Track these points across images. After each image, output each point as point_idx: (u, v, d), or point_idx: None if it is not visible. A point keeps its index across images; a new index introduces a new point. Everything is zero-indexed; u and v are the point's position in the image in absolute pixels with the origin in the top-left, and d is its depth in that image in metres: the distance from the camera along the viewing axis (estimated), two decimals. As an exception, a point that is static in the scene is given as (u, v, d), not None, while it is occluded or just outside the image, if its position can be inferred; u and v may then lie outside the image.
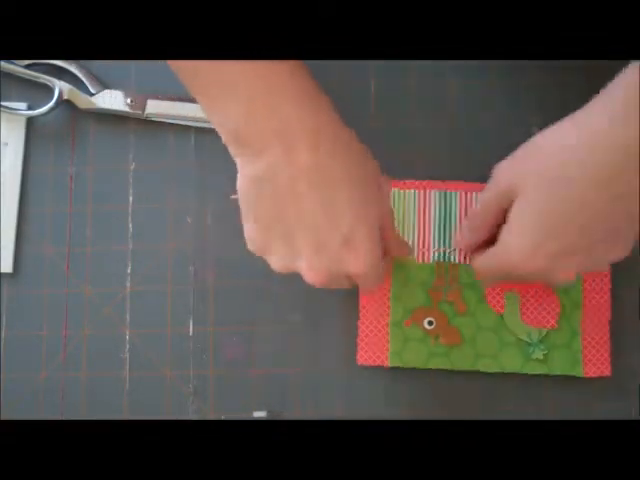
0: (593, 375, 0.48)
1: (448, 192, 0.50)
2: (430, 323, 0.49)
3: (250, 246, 0.41)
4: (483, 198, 0.44)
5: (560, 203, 0.38)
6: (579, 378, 0.48)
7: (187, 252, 0.51)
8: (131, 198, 0.52)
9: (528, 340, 0.48)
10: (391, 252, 0.46)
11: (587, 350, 0.48)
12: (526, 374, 0.48)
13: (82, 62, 0.52)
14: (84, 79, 0.52)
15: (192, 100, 0.52)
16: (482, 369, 0.48)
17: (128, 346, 0.50)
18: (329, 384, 0.50)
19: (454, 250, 0.49)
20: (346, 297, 0.50)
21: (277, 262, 0.41)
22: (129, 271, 0.51)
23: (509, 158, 0.43)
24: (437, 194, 0.50)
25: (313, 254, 0.39)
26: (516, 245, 0.40)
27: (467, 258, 0.49)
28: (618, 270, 0.49)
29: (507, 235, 0.41)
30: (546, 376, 0.48)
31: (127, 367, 0.50)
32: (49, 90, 0.52)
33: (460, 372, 0.49)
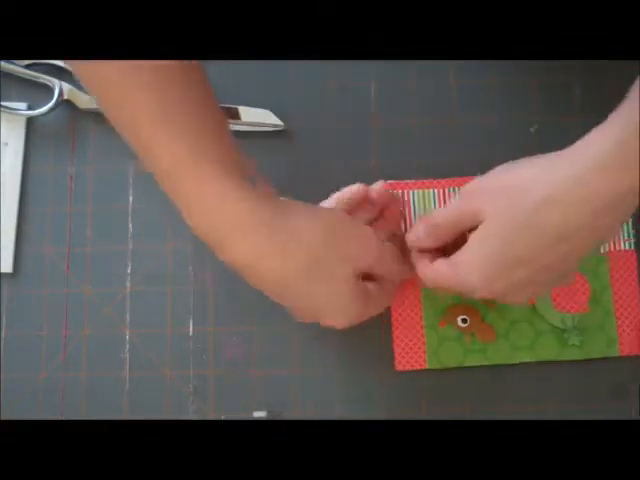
0: (630, 353, 0.49)
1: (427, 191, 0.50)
2: (464, 321, 0.49)
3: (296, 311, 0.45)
4: (447, 213, 0.44)
5: (526, 245, 0.39)
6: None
7: (187, 252, 0.51)
8: (131, 198, 0.52)
9: (563, 327, 0.49)
10: (396, 279, 0.47)
11: (621, 329, 0.49)
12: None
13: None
14: (84, 79, 0.52)
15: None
16: (519, 361, 0.49)
17: (128, 346, 0.50)
18: (329, 384, 0.50)
19: None
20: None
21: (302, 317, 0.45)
22: (129, 271, 0.51)
23: (478, 182, 0.43)
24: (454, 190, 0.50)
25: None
26: (478, 271, 0.41)
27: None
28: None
29: (469, 258, 0.42)
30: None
31: (127, 367, 0.50)
32: (49, 90, 0.52)
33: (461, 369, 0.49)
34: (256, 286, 0.42)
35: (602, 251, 0.50)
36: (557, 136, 0.51)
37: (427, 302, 0.49)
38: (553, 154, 0.39)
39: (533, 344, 0.49)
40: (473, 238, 0.42)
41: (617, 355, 0.49)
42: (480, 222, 0.41)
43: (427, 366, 0.49)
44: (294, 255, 0.40)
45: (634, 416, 0.49)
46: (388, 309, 0.49)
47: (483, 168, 0.50)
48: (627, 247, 0.50)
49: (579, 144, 0.38)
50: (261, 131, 0.51)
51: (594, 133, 0.37)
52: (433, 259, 0.45)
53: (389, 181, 0.50)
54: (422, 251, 0.46)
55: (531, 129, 0.51)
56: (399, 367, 0.49)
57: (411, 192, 0.50)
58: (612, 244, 0.50)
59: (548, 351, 0.49)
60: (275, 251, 0.40)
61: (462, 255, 0.42)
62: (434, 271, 0.44)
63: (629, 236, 0.50)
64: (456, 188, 0.50)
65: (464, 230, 0.44)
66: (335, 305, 0.43)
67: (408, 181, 0.50)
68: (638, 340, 0.49)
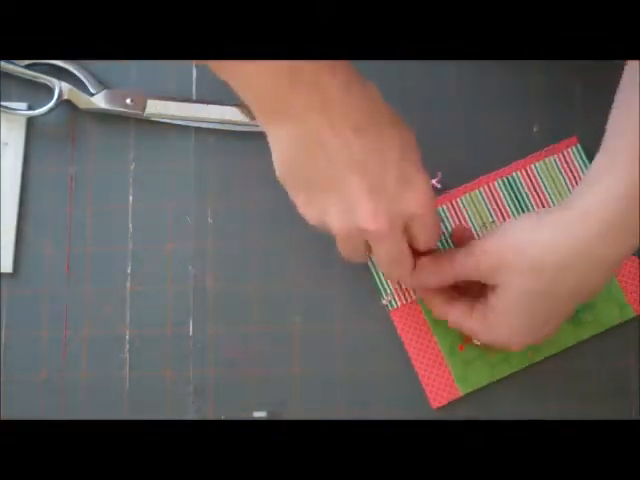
0: None
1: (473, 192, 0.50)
2: None
3: (309, 218, 0.42)
4: (461, 266, 0.44)
5: (548, 308, 0.42)
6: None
7: (187, 252, 0.51)
8: (131, 198, 0.52)
9: None
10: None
11: (628, 290, 0.49)
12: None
13: (82, 62, 0.52)
14: (84, 79, 0.52)
15: (192, 100, 0.52)
16: (543, 357, 0.49)
17: (128, 346, 0.50)
18: (329, 384, 0.50)
19: None
20: (345, 297, 0.50)
21: (337, 222, 0.40)
22: (129, 271, 0.51)
23: (496, 243, 0.43)
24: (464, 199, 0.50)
25: (371, 198, 0.39)
26: (506, 330, 0.44)
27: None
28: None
29: (496, 318, 0.43)
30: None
31: (127, 367, 0.50)
32: (49, 90, 0.52)
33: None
34: (331, 157, 0.39)
35: None
36: (557, 136, 0.51)
37: (439, 333, 0.49)
38: (556, 213, 0.41)
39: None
40: (501, 301, 0.42)
41: (633, 316, 0.49)
42: (495, 282, 0.42)
43: (462, 393, 0.48)
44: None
45: (634, 416, 0.49)
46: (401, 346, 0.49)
47: (483, 168, 0.51)
48: None
49: (580, 211, 0.40)
50: (261, 131, 0.51)
51: (591, 197, 0.39)
52: (447, 299, 0.46)
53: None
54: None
55: (534, 129, 0.51)
56: (435, 405, 0.48)
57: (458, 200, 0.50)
58: None
59: (567, 337, 0.49)
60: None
61: (493, 316, 0.43)
62: (458, 319, 0.45)
63: None
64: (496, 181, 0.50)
65: (472, 280, 0.44)
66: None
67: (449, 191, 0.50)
68: None
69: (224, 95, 0.52)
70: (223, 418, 0.50)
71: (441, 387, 0.49)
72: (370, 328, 0.50)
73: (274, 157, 0.41)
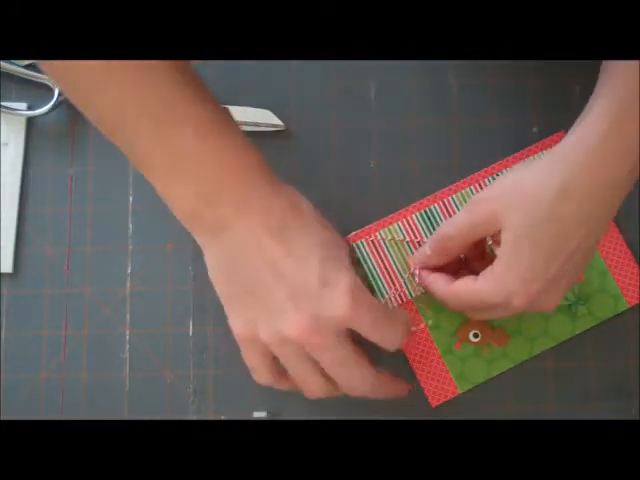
0: (637, 302, 0.50)
1: (428, 209, 0.50)
2: (475, 335, 0.49)
3: (238, 331, 0.42)
4: (459, 225, 0.44)
5: (551, 237, 0.41)
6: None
7: (187, 252, 0.51)
8: (131, 198, 0.52)
9: (567, 302, 0.49)
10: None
11: (621, 282, 0.50)
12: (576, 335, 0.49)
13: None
14: (84, 79, 0.52)
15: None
16: (540, 350, 0.49)
17: (128, 346, 0.50)
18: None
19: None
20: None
21: (265, 333, 0.40)
22: (129, 271, 0.51)
23: (487, 192, 0.44)
24: (418, 215, 0.50)
25: (293, 303, 0.39)
26: (516, 276, 0.42)
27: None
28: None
29: (506, 265, 0.42)
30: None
31: (127, 367, 0.50)
32: (49, 90, 0.52)
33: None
34: (255, 268, 0.40)
35: None
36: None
37: (435, 332, 0.49)
38: (550, 154, 0.42)
39: (546, 329, 0.49)
40: (504, 245, 0.42)
41: (626, 307, 0.49)
42: (496, 229, 0.42)
43: (460, 391, 0.49)
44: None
45: (634, 416, 0.49)
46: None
47: (483, 168, 0.51)
48: None
49: (572, 140, 0.42)
50: (261, 131, 0.51)
51: (583, 126, 0.41)
52: (449, 279, 0.45)
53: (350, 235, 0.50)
54: (431, 270, 0.47)
55: (534, 130, 0.51)
56: (434, 403, 0.49)
57: (395, 225, 0.50)
58: None
59: (562, 330, 0.49)
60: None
61: (498, 265, 0.42)
62: (465, 288, 0.44)
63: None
64: (435, 204, 0.50)
65: (476, 241, 0.44)
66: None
67: (384, 219, 0.50)
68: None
69: (224, 95, 0.52)
70: (223, 418, 0.50)
71: (439, 386, 0.49)
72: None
73: (208, 263, 0.42)
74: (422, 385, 0.49)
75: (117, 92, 0.39)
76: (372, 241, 0.50)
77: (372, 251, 0.50)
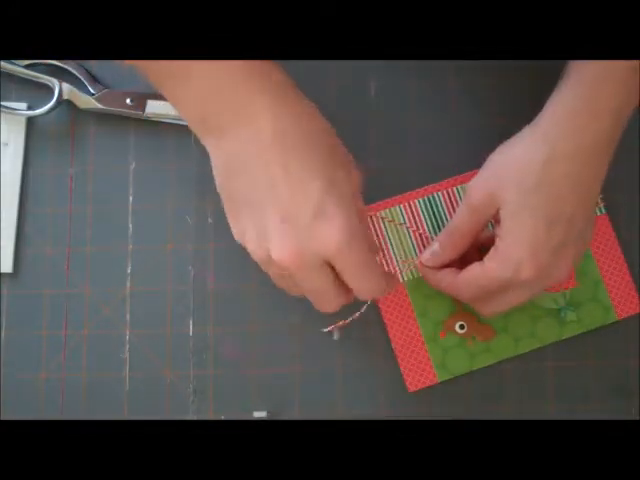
0: (626, 315, 0.50)
1: (431, 196, 0.50)
2: (462, 327, 0.49)
3: (234, 233, 0.41)
4: (460, 216, 0.45)
5: (547, 201, 0.42)
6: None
7: (187, 252, 0.51)
8: (131, 198, 0.52)
9: (556, 306, 0.49)
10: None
11: (613, 294, 0.50)
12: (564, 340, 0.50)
13: (82, 62, 0.52)
14: (84, 79, 0.52)
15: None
16: (524, 350, 0.49)
17: (128, 346, 0.50)
18: (329, 384, 0.50)
19: None
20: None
21: (252, 246, 0.39)
22: (129, 271, 0.51)
23: (479, 177, 0.45)
24: (421, 201, 0.50)
25: (282, 227, 0.37)
26: (522, 248, 0.42)
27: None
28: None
29: (510, 240, 0.42)
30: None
31: (127, 367, 0.50)
32: (49, 90, 0.52)
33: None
34: (253, 178, 0.38)
35: None
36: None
37: (422, 318, 0.49)
38: (532, 127, 0.44)
39: (533, 330, 0.49)
40: (504, 221, 0.42)
41: (615, 320, 0.50)
42: (497, 208, 0.43)
43: (438, 380, 0.49)
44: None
45: (634, 416, 0.49)
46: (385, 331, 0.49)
47: (483, 168, 0.51)
48: (599, 213, 0.51)
49: (551, 109, 0.44)
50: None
51: (559, 96, 0.44)
52: (455, 270, 0.45)
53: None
54: (440, 267, 0.47)
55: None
56: (411, 388, 0.49)
57: (397, 208, 0.50)
58: None
59: (549, 333, 0.49)
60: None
61: (501, 242, 0.43)
62: (473, 273, 0.44)
63: (597, 202, 0.51)
64: (439, 192, 0.51)
65: (482, 226, 0.45)
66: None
67: (389, 199, 0.51)
68: (632, 301, 0.50)
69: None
70: (223, 418, 0.50)
71: (419, 372, 0.49)
72: (370, 327, 0.50)
73: (213, 167, 0.41)
74: (402, 369, 0.49)
75: None
76: (371, 219, 0.50)
77: (371, 230, 0.50)
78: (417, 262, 0.49)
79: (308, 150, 0.39)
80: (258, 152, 0.38)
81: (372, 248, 0.44)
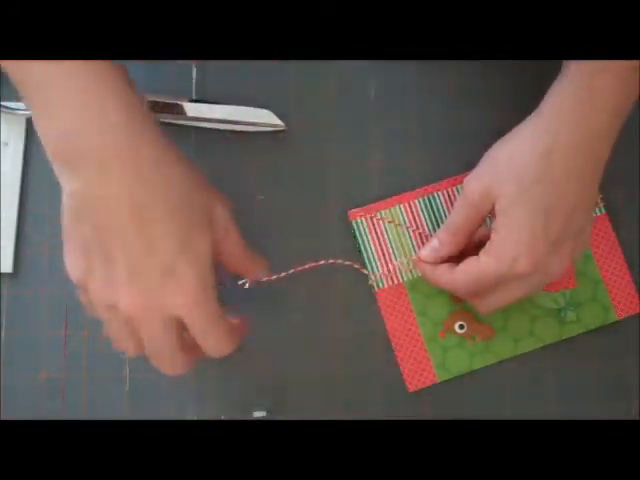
0: (626, 315, 0.50)
1: (431, 196, 0.50)
2: (461, 327, 0.49)
3: (70, 272, 0.39)
4: (458, 211, 0.46)
5: (543, 195, 0.42)
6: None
7: (187, 252, 0.51)
8: (131, 198, 0.52)
9: (556, 306, 0.49)
10: (243, 271, 0.44)
11: (613, 294, 0.50)
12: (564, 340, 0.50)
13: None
14: (84, 79, 0.52)
15: (192, 100, 0.52)
16: (523, 350, 0.49)
17: (128, 346, 0.50)
18: (330, 384, 0.50)
19: None
20: (344, 296, 0.50)
21: (97, 292, 0.38)
22: (129, 271, 0.51)
23: (476, 172, 0.45)
24: (421, 201, 0.50)
25: (131, 281, 0.37)
26: (516, 241, 0.42)
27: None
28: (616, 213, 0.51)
29: (503, 233, 0.43)
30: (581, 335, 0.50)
31: (127, 367, 0.50)
32: (49, 90, 0.52)
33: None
34: (101, 226, 0.37)
35: None
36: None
37: (422, 318, 0.50)
38: (530, 121, 0.44)
39: (533, 330, 0.49)
40: (499, 215, 0.43)
41: (615, 320, 0.50)
42: (493, 203, 0.43)
43: (438, 380, 0.49)
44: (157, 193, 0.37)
45: (634, 416, 0.49)
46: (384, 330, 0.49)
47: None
48: (598, 213, 0.51)
49: (549, 103, 0.44)
50: (261, 131, 0.51)
51: (556, 90, 0.44)
52: (452, 265, 0.46)
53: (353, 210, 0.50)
54: (438, 263, 0.47)
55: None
56: (411, 388, 0.49)
57: (396, 208, 0.50)
58: None
59: (549, 333, 0.49)
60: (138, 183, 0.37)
61: (496, 235, 0.43)
62: (469, 267, 0.44)
63: (597, 202, 0.51)
64: (439, 192, 0.51)
65: (480, 221, 0.45)
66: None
67: (388, 199, 0.51)
68: (632, 301, 0.50)
69: (224, 95, 0.52)
70: (223, 418, 0.50)
71: (418, 372, 0.49)
72: (369, 327, 0.50)
73: (63, 200, 0.39)
74: (402, 369, 0.49)
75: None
76: (371, 219, 0.50)
77: (370, 230, 0.50)
78: (415, 257, 0.49)
79: (164, 216, 0.37)
80: (108, 205, 0.37)
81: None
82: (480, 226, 0.46)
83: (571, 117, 0.42)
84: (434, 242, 0.47)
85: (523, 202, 0.42)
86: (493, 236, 0.43)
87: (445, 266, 0.46)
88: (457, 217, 0.46)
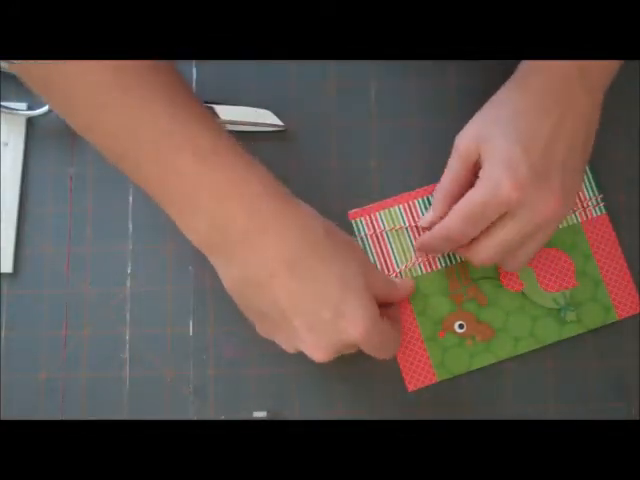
0: (626, 315, 0.50)
1: (431, 196, 0.50)
2: (461, 326, 0.49)
3: (260, 332, 0.45)
4: (449, 167, 0.47)
5: (522, 127, 0.43)
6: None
7: (187, 252, 0.51)
8: (131, 198, 0.52)
9: (557, 306, 0.49)
10: (391, 298, 0.47)
11: (614, 294, 0.50)
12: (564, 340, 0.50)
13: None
14: (84, 79, 0.52)
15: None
16: (523, 350, 0.49)
17: (128, 346, 0.50)
18: (330, 384, 0.50)
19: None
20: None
21: (285, 344, 0.44)
22: (129, 271, 0.51)
23: (467, 128, 0.46)
24: (421, 202, 0.51)
25: (311, 334, 0.41)
26: (495, 167, 0.43)
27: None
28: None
29: (484, 169, 0.44)
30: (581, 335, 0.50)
31: (127, 367, 0.50)
32: (49, 90, 0.52)
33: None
34: (269, 296, 0.41)
35: (575, 222, 0.51)
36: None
37: (421, 318, 0.50)
38: (499, 96, 0.46)
39: (532, 330, 0.49)
40: (483, 154, 0.44)
41: (615, 320, 0.50)
42: (478, 149, 0.44)
43: (437, 379, 0.49)
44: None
45: (634, 416, 0.49)
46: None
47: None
48: (598, 212, 0.51)
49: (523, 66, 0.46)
50: (261, 131, 0.51)
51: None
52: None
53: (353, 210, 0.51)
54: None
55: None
56: (411, 387, 0.49)
57: (396, 208, 0.50)
58: (584, 214, 0.51)
59: (549, 333, 0.49)
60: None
61: (481, 171, 0.44)
62: (460, 203, 0.44)
63: (597, 202, 0.51)
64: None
65: (468, 171, 0.46)
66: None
67: (388, 199, 0.51)
68: (632, 301, 0.50)
69: (224, 95, 0.52)
70: (223, 418, 0.50)
71: (418, 371, 0.49)
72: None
73: (223, 282, 0.43)
74: (401, 368, 0.49)
75: (116, 119, 0.39)
76: (372, 223, 0.50)
77: (370, 230, 0.50)
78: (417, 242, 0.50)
79: (319, 266, 0.41)
80: (270, 277, 0.41)
81: (393, 317, 0.47)
82: (471, 182, 0.45)
83: (542, 64, 0.44)
84: (429, 209, 0.49)
85: (501, 136, 0.43)
86: (479, 173, 0.44)
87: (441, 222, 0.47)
88: (447, 172, 0.47)
